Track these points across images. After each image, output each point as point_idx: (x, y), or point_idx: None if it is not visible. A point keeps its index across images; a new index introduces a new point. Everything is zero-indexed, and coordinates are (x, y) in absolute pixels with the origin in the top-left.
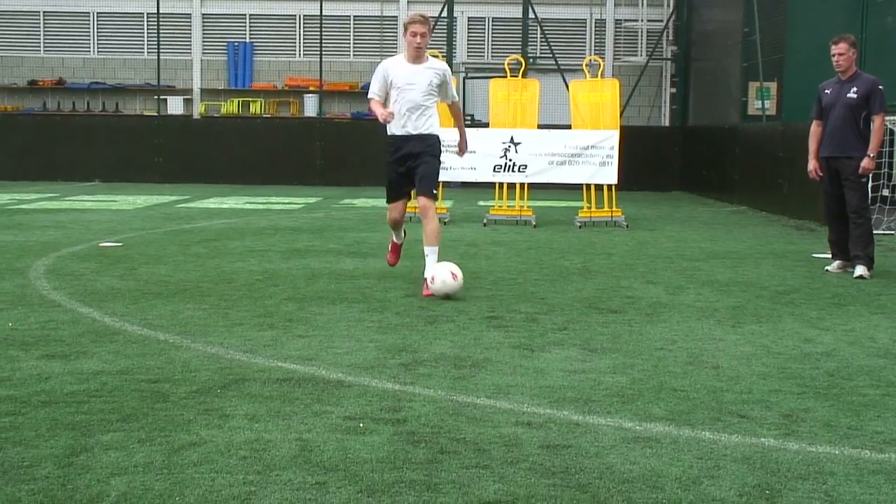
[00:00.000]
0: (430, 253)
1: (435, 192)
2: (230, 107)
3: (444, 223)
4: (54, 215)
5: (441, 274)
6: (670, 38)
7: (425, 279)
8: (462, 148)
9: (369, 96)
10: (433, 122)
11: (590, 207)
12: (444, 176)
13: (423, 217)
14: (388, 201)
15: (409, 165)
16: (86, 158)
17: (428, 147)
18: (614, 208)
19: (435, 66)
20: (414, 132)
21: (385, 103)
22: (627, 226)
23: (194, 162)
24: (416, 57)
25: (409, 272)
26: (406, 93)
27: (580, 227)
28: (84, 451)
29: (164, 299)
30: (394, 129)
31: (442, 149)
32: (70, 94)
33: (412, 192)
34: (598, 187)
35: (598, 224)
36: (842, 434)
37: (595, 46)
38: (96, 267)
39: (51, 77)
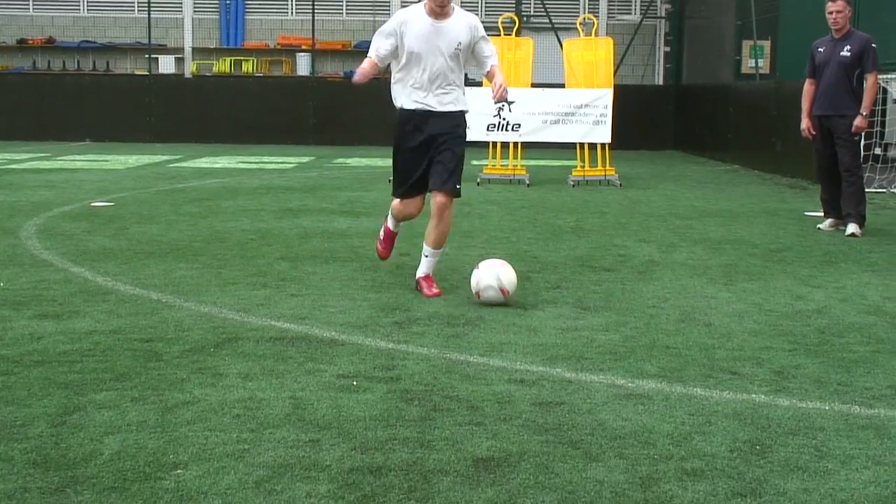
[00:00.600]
0: (431, 255)
1: (459, 187)
2: (222, 66)
3: None
4: (45, 175)
5: (487, 292)
6: None
7: (421, 279)
8: (497, 90)
9: (368, 55)
10: (459, 95)
11: (583, 166)
12: None
13: (437, 216)
14: (400, 195)
15: (429, 153)
16: (76, 118)
17: (452, 128)
18: (608, 167)
19: (463, 20)
20: (437, 108)
21: (383, 68)
22: (621, 184)
23: (186, 121)
24: (441, 13)
25: (404, 231)
26: (426, 56)
27: (574, 185)
28: (77, 410)
29: (156, 259)
30: (406, 101)
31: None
32: (60, 53)
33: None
34: (592, 146)
35: (591, 183)
36: (832, 390)
37: (589, 5)
38: (88, 226)
39: (40, 36)
